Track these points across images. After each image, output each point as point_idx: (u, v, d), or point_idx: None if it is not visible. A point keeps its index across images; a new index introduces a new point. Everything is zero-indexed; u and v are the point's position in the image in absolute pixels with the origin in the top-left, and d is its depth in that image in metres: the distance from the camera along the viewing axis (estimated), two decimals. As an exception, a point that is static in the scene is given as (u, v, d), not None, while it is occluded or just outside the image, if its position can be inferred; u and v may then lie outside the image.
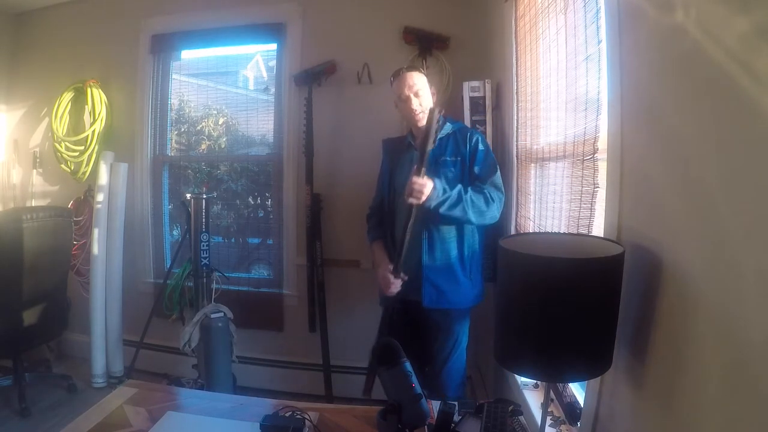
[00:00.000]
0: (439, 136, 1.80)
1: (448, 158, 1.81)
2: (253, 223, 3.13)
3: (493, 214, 1.72)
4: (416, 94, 1.79)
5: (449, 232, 1.80)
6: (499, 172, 1.80)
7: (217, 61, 3.37)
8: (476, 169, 1.78)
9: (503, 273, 1.01)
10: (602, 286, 0.89)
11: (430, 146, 1.62)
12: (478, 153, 1.80)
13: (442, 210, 1.65)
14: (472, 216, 1.69)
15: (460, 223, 1.76)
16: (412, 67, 1.89)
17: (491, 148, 1.91)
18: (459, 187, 1.70)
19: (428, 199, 1.63)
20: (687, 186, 0.81)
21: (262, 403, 1.28)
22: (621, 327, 0.94)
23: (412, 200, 1.62)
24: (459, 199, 1.67)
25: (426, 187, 1.61)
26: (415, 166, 1.63)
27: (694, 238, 0.79)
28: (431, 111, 1.62)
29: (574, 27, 1.34)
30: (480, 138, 1.83)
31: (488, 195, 1.72)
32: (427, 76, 1.90)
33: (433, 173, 1.71)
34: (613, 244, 0.97)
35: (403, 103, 1.83)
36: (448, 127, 1.85)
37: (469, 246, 1.81)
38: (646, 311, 0.93)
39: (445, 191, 1.66)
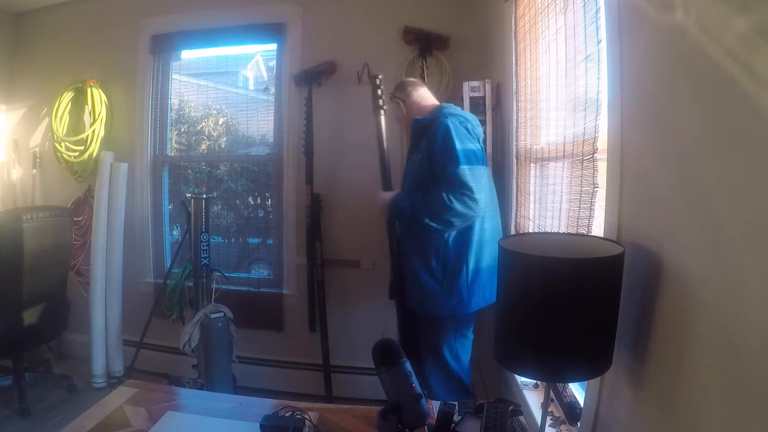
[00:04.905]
0: (416, 119, 1.81)
1: (415, 155, 1.77)
2: (253, 223, 3.13)
3: (453, 211, 1.57)
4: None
5: (413, 237, 1.78)
6: (457, 164, 1.60)
7: (217, 61, 3.37)
8: (435, 167, 1.65)
9: (503, 273, 1.01)
10: (602, 286, 0.89)
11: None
12: (435, 149, 1.65)
13: (403, 224, 1.74)
14: (430, 222, 1.62)
15: (428, 231, 1.68)
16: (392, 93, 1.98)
17: (484, 144, 1.84)
18: (414, 196, 1.71)
19: (389, 212, 1.76)
20: (687, 186, 0.81)
21: (262, 403, 1.28)
22: (621, 327, 0.94)
23: (379, 212, 1.81)
24: (411, 212, 1.67)
25: (383, 201, 1.76)
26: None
27: (694, 238, 0.79)
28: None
29: (573, 27, 1.34)
30: (439, 131, 1.66)
31: (444, 198, 1.58)
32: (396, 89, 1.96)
33: (407, 170, 1.84)
34: (613, 244, 0.97)
35: None
36: (419, 120, 1.79)
37: (436, 251, 1.70)
38: (646, 311, 0.93)
39: (398, 205, 1.72)
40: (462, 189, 1.58)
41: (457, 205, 1.57)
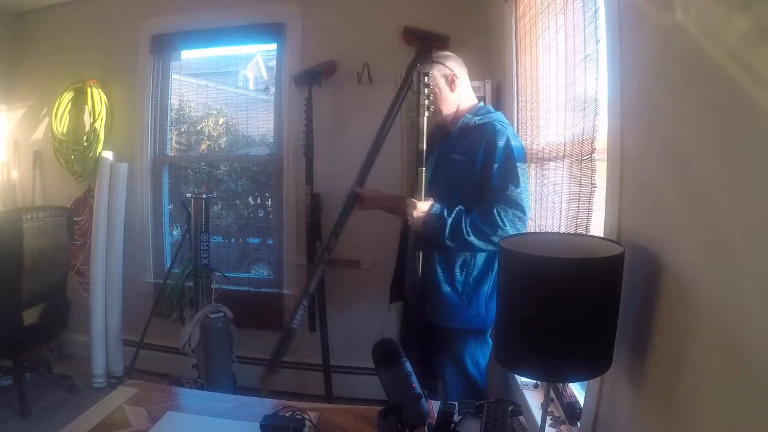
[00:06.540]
0: (458, 125, 1.62)
1: (458, 156, 1.58)
2: (253, 223, 3.13)
3: (503, 232, 1.44)
4: (434, 97, 1.62)
5: (439, 246, 1.60)
6: (520, 184, 1.48)
7: (217, 61, 3.38)
8: (490, 181, 1.50)
9: (503, 273, 1.01)
10: (602, 286, 0.89)
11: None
12: (495, 158, 1.48)
13: (441, 240, 1.50)
14: (477, 243, 1.48)
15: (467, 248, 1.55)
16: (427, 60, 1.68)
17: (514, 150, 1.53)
18: (458, 210, 1.49)
19: (425, 225, 1.52)
20: (687, 186, 0.81)
21: (262, 403, 1.28)
22: (621, 327, 0.94)
23: (411, 225, 1.55)
24: (455, 228, 1.48)
25: (419, 214, 1.51)
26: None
27: (694, 238, 0.79)
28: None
29: (573, 27, 1.34)
30: (501, 139, 1.50)
31: (496, 217, 1.44)
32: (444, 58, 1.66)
33: (440, 170, 1.62)
34: (612, 244, 0.97)
35: None
36: (469, 118, 1.62)
37: (462, 263, 1.60)
38: (646, 311, 0.93)
39: (441, 220, 1.49)
40: (517, 211, 1.47)
41: (510, 228, 1.45)
